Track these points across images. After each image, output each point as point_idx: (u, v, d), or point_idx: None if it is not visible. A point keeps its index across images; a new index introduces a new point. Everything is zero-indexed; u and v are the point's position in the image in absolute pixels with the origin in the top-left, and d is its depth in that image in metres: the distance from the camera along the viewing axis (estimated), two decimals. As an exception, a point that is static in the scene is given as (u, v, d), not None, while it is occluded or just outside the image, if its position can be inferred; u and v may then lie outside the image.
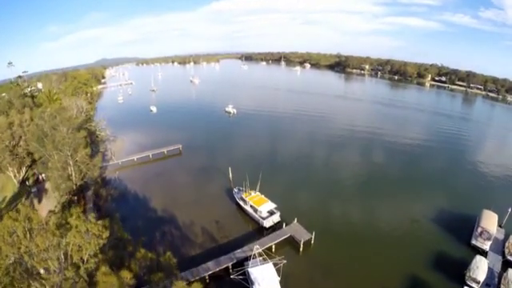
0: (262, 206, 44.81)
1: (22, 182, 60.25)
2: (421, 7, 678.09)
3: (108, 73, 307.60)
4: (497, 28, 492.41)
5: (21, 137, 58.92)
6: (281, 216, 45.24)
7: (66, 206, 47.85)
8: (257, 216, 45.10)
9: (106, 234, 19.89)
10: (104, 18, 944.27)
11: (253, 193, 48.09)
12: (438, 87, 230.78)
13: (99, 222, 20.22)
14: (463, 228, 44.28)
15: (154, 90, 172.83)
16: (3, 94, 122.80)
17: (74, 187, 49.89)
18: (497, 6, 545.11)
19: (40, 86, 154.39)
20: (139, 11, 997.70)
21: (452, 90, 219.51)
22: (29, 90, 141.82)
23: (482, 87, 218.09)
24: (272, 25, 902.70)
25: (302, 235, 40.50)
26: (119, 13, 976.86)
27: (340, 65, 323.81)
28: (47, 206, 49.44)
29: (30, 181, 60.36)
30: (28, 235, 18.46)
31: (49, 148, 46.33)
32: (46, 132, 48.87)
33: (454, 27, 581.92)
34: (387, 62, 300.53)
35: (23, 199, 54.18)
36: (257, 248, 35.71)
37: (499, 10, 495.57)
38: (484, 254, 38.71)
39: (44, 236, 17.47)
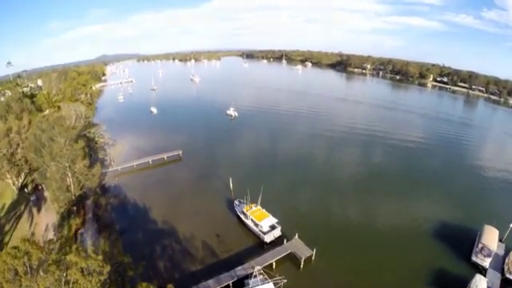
0: (263, 221, 44.45)
1: (21, 189, 59.70)
2: (423, 7, 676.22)
3: (109, 69, 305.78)
4: (500, 29, 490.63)
5: (18, 144, 58.21)
6: (282, 231, 44.92)
7: (66, 217, 47.80)
8: (257, 230, 44.77)
9: (107, 268, 19.57)
10: (104, 15, 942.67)
11: (254, 206, 47.65)
12: (440, 88, 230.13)
13: (99, 257, 19.83)
14: (464, 242, 44.20)
15: (154, 89, 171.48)
16: (2, 92, 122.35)
17: (73, 197, 49.56)
18: (500, 6, 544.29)
19: (40, 82, 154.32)
20: (140, 7, 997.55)
21: (454, 91, 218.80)
22: (28, 88, 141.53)
23: (483, 89, 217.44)
24: (273, 23, 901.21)
25: (303, 252, 40.27)
26: (120, 9, 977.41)
27: (341, 64, 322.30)
28: (46, 216, 49.17)
29: (29, 187, 59.79)
30: (29, 273, 18.17)
31: (46, 159, 45.88)
32: (43, 143, 48.33)
33: (457, 27, 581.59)
34: (389, 61, 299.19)
35: (22, 207, 53.84)
36: (258, 269, 35.45)
37: (502, 10, 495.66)
38: (483, 270, 38.69)
39: (45, 277, 17.17)
